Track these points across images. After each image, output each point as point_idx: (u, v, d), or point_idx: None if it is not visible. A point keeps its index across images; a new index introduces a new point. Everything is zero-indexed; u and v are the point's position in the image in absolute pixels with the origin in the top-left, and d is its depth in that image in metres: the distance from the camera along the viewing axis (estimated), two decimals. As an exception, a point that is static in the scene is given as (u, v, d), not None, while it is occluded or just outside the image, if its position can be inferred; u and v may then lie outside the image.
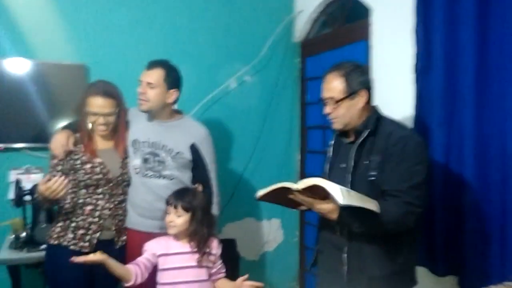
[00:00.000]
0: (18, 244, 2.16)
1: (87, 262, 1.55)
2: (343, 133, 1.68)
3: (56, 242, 1.84)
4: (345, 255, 1.57)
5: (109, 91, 1.88)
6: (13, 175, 2.42)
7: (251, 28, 3.08)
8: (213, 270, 1.81)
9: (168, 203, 1.76)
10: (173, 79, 1.99)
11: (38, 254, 2.11)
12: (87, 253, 1.80)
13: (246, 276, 1.74)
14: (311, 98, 3.20)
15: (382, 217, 1.42)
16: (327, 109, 1.61)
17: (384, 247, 1.53)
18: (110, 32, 2.70)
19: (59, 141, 1.85)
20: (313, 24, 3.15)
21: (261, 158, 3.17)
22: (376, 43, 2.41)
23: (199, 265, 1.75)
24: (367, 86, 1.59)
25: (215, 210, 2.07)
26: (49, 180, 1.66)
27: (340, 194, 1.31)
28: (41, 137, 2.43)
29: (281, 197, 1.55)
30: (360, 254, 1.55)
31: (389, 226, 1.45)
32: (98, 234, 1.87)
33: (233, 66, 3.03)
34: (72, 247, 1.83)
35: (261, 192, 1.58)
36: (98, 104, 1.84)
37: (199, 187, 2.05)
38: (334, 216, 1.47)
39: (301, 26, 3.16)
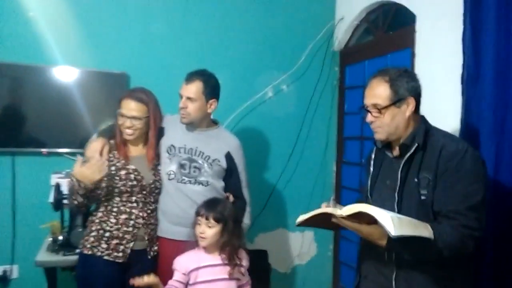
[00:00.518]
0: (55, 247, 2.20)
1: (141, 284, 1.57)
2: (386, 145, 1.54)
3: (90, 252, 1.83)
4: (393, 282, 1.43)
5: (142, 97, 1.89)
6: (54, 179, 2.48)
7: (290, 36, 3.04)
8: (243, 282, 1.77)
9: (198, 213, 1.73)
10: (211, 89, 1.98)
11: (73, 257, 2.12)
12: (121, 264, 1.83)
13: None
14: (350, 108, 3.11)
15: (437, 243, 1.28)
16: (370, 117, 1.47)
17: (436, 275, 1.38)
18: (150, 42, 2.74)
19: (94, 150, 1.84)
20: (353, 32, 3.07)
21: (296, 168, 3.11)
22: (421, 51, 2.30)
23: (230, 277, 1.71)
24: (415, 93, 1.45)
25: (247, 219, 2.05)
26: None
27: (391, 224, 1.18)
28: (83, 143, 2.48)
29: (322, 221, 1.45)
30: (410, 282, 1.40)
31: (444, 253, 1.30)
32: (132, 244, 1.85)
33: (270, 75, 2.99)
34: (106, 257, 1.82)
35: (301, 218, 1.49)
36: (128, 106, 1.85)
37: (230, 197, 2.04)
38: (383, 242, 1.34)
39: (342, 34, 3.08)
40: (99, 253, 1.82)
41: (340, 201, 3.07)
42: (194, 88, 1.93)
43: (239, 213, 2.01)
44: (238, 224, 1.79)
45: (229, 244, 1.71)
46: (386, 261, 1.45)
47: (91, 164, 1.74)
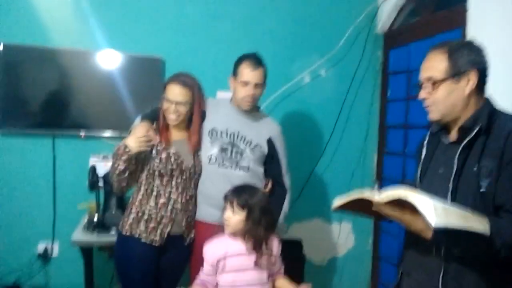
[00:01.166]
0: (90, 227, 2.26)
1: None
2: (443, 130, 1.36)
3: (128, 233, 1.84)
4: (440, 281, 1.26)
5: (188, 82, 1.89)
6: (92, 161, 2.55)
7: (329, 18, 2.91)
8: (273, 271, 1.71)
9: (225, 198, 1.68)
10: (267, 73, 2.01)
11: (106, 238, 2.19)
12: (157, 247, 1.84)
13: (309, 284, 1.62)
14: (393, 94, 2.93)
15: (494, 240, 1.11)
16: (423, 93, 1.30)
17: (491, 276, 1.21)
18: (185, 26, 2.72)
19: (140, 132, 1.81)
20: (399, 13, 2.88)
21: (334, 157, 2.99)
22: (473, 31, 2.11)
23: (258, 266, 1.65)
24: (478, 68, 1.25)
25: (285, 207, 2.03)
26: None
27: (433, 213, 1.04)
28: (121, 127, 2.53)
29: (360, 206, 1.32)
30: (460, 282, 1.24)
31: (502, 252, 1.13)
32: (169, 228, 1.85)
33: (308, 59, 2.89)
34: (143, 239, 1.83)
35: (337, 202, 1.37)
36: (173, 91, 1.85)
37: (269, 184, 2.02)
38: (428, 235, 1.18)
39: (386, 15, 2.90)
40: (136, 235, 1.83)
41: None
42: (261, 75, 1.95)
43: (274, 202, 1.96)
44: (267, 214, 1.69)
45: (253, 233, 1.63)
46: (433, 257, 1.28)
47: (139, 138, 1.77)
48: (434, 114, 1.31)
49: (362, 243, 3.10)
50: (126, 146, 1.76)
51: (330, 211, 2.98)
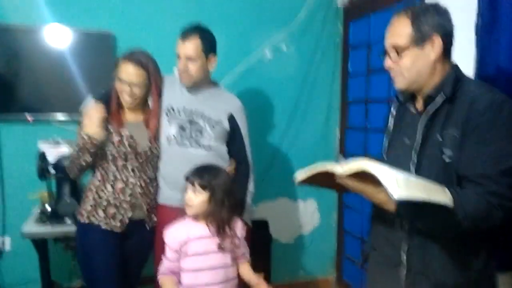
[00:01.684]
0: (43, 218, 2.13)
1: None
2: (410, 99, 1.33)
3: (86, 220, 1.76)
4: (405, 254, 1.25)
5: (143, 61, 1.76)
6: (41, 148, 2.38)
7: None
8: (237, 254, 1.67)
9: (186, 179, 1.60)
10: (209, 45, 1.85)
11: (61, 228, 2.07)
12: (118, 234, 1.77)
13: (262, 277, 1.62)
14: (354, 68, 2.91)
15: (457, 212, 1.08)
16: (388, 62, 1.27)
17: (457, 248, 1.20)
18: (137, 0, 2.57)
19: (93, 118, 1.71)
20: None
21: (297, 134, 2.96)
22: None
23: (221, 249, 1.60)
24: (443, 32, 1.21)
25: (251, 187, 1.97)
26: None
27: (395, 185, 1.00)
28: (71, 109, 2.38)
29: (324, 179, 1.27)
30: (425, 255, 1.22)
31: (465, 224, 1.10)
32: (130, 214, 1.79)
33: (268, 33, 2.81)
34: (103, 226, 1.76)
35: (300, 176, 1.30)
36: (127, 71, 1.73)
37: (231, 166, 1.95)
38: (391, 207, 1.16)
39: (345, -13, 2.86)
40: (96, 222, 1.75)
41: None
42: (192, 46, 1.80)
43: (239, 182, 1.92)
44: (230, 195, 1.64)
45: (216, 215, 1.58)
46: (397, 231, 1.27)
47: (97, 123, 1.69)
48: (400, 83, 1.27)
49: (327, 219, 3.13)
50: (90, 137, 1.68)
51: (295, 190, 3.01)
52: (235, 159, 1.98)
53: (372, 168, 1.06)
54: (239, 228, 1.67)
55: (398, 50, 1.23)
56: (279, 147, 2.92)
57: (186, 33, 1.81)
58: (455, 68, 1.26)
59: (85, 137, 1.68)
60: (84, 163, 1.72)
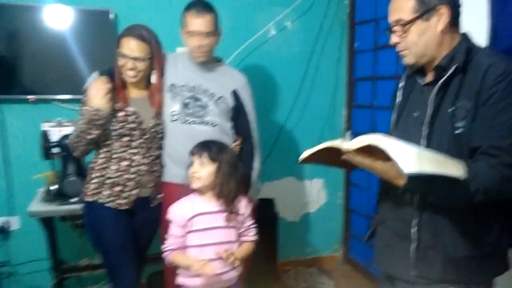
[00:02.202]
0: (49, 197, 2.13)
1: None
2: (419, 71, 1.29)
3: (91, 199, 1.75)
4: (415, 229, 1.23)
5: (144, 35, 1.73)
6: (45, 128, 2.37)
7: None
8: (241, 231, 1.67)
9: (192, 153, 1.59)
10: (218, 20, 1.83)
11: (68, 207, 2.07)
12: (125, 211, 1.77)
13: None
14: (361, 45, 2.85)
15: (469, 185, 1.06)
16: (394, 38, 1.22)
17: (468, 223, 1.17)
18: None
19: (99, 90, 1.69)
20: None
21: (303, 113, 2.93)
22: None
23: (227, 225, 1.60)
24: (449, 0, 1.17)
25: (256, 163, 1.96)
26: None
27: (406, 159, 0.97)
28: (73, 89, 2.35)
29: (329, 157, 1.25)
30: (435, 229, 1.20)
31: (478, 197, 1.08)
32: (136, 191, 1.78)
33: (272, 10, 2.74)
34: (109, 204, 1.75)
35: (304, 155, 1.27)
36: (129, 46, 1.70)
37: (238, 140, 1.94)
38: (401, 182, 1.12)
39: (351, -40, 2.77)
40: (101, 200, 1.75)
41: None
42: (208, 22, 1.77)
43: (244, 158, 1.91)
44: (235, 169, 1.64)
45: (225, 187, 1.58)
46: (406, 205, 1.24)
47: (104, 95, 1.68)
48: (408, 58, 1.23)
49: (333, 198, 3.12)
50: (98, 110, 1.65)
51: (301, 169, 3.00)
52: (240, 136, 1.96)
53: (381, 142, 1.03)
54: (243, 205, 1.67)
55: (403, 25, 1.18)
56: (285, 126, 2.89)
57: (199, 9, 1.77)
58: (465, 37, 1.22)
59: (92, 109, 1.66)
60: (91, 138, 1.69)
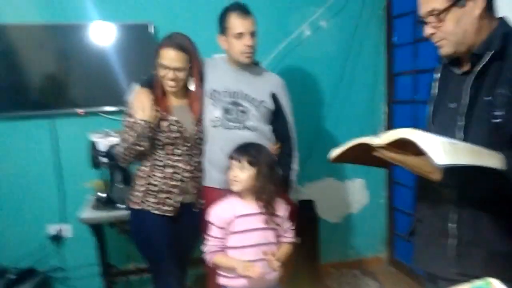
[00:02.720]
0: (99, 204, 2.23)
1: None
2: (455, 61, 1.23)
3: (138, 207, 1.80)
4: (454, 225, 1.19)
5: (183, 44, 1.76)
6: (93, 139, 2.48)
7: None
8: (280, 232, 1.68)
9: (231, 157, 1.62)
10: None
11: (116, 213, 2.15)
12: (170, 218, 1.81)
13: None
14: (400, 39, 2.76)
15: (509, 176, 1.01)
16: (428, 29, 1.17)
17: (509, 216, 1.12)
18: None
19: (143, 102, 1.74)
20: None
21: (342, 111, 2.89)
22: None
23: (267, 226, 1.61)
24: None
25: (295, 165, 1.96)
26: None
27: (438, 150, 0.93)
28: (118, 101, 2.43)
29: (362, 155, 1.21)
30: (476, 225, 1.16)
31: None
32: (180, 198, 1.82)
33: (306, 10, 2.72)
34: (155, 211, 1.79)
35: (334, 152, 1.24)
36: (169, 56, 1.73)
37: (277, 145, 1.95)
38: (436, 176, 1.08)
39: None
40: (147, 208, 1.79)
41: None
42: (253, 22, 1.84)
43: (283, 160, 1.92)
44: (274, 171, 1.66)
45: (265, 189, 1.59)
46: (445, 201, 1.20)
47: (149, 107, 1.72)
48: (446, 48, 1.17)
49: (376, 197, 3.05)
50: (146, 121, 1.70)
51: (341, 169, 2.95)
52: (279, 138, 1.96)
53: (411, 135, 0.99)
54: (282, 207, 1.67)
55: (438, 14, 1.12)
56: (324, 125, 2.86)
57: (243, 11, 1.82)
58: (502, 21, 1.16)
59: (142, 122, 1.70)
60: (142, 149, 1.74)
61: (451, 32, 1.14)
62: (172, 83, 1.76)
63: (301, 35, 2.74)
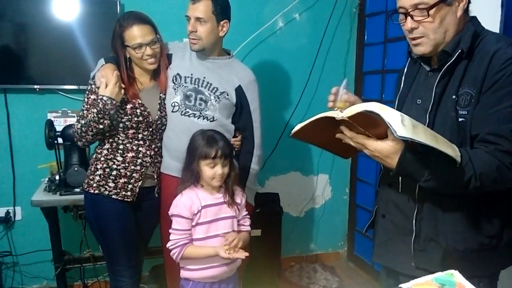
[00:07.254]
0: (52, 187, 2.12)
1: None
2: (425, 58, 1.22)
3: (96, 191, 1.73)
4: (413, 220, 1.19)
5: (143, 17, 1.70)
6: (49, 117, 2.36)
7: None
8: (239, 219, 1.67)
9: (214, 156, 1.52)
10: (221, 8, 1.77)
11: (71, 197, 2.06)
12: (129, 203, 1.76)
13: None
14: (370, 38, 2.79)
15: (464, 169, 1.02)
16: (411, 23, 1.13)
17: (469, 214, 1.13)
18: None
19: (107, 73, 1.64)
20: None
21: (310, 106, 2.88)
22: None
23: (231, 215, 1.61)
24: None
25: (254, 164, 1.89)
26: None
27: (399, 122, 0.93)
28: (78, 79, 2.33)
29: (323, 135, 1.19)
30: (436, 221, 1.16)
31: (475, 184, 1.04)
32: (140, 183, 1.76)
33: (280, 2, 2.70)
34: (114, 196, 1.73)
35: (297, 127, 1.19)
36: (138, 34, 1.65)
37: (239, 137, 1.90)
38: (393, 161, 1.06)
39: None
40: (106, 192, 1.73)
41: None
42: (203, 7, 1.73)
43: (243, 158, 1.88)
44: (233, 159, 1.65)
45: (231, 177, 1.59)
46: (407, 197, 1.20)
47: (112, 83, 1.61)
48: (424, 47, 1.15)
49: (339, 193, 3.08)
50: (108, 98, 1.60)
51: (307, 164, 2.96)
52: (242, 134, 1.90)
53: (374, 107, 0.98)
54: (239, 195, 1.67)
55: (427, 9, 1.10)
56: (291, 119, 2.85)
57: None
58: (475, 21, 1.16)
59: (104, 98, 1.60)
60: (101, 127, 1.64)
61: (434, 29, 1.12)
62: (152, 60, 1.70)
63: (274, 25, 2.72)
